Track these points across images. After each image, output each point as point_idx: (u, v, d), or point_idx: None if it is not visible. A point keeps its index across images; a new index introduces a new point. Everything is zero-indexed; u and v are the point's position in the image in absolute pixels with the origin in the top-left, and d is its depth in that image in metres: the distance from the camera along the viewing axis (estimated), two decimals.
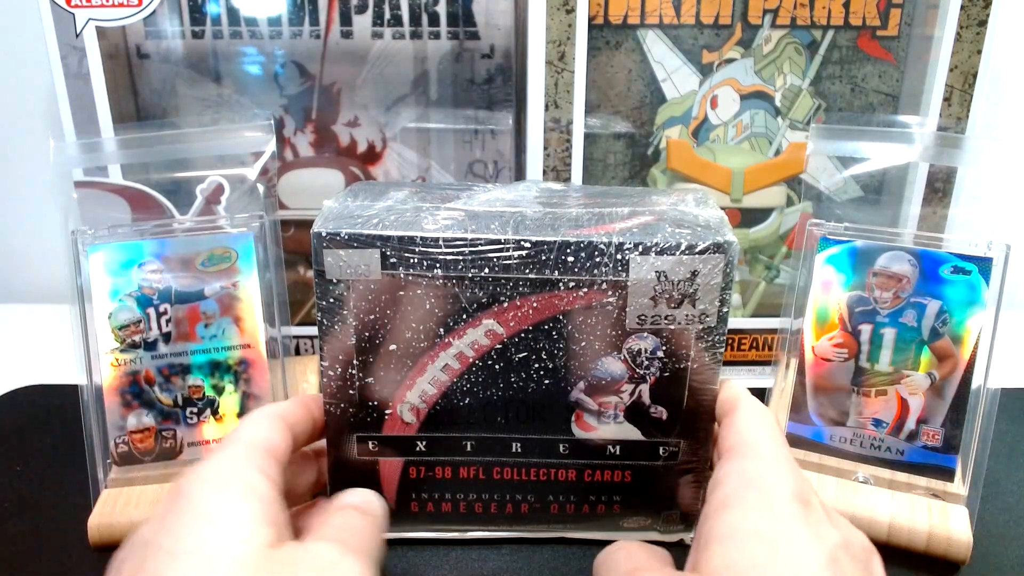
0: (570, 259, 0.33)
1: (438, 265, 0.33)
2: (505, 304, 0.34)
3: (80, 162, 0.47)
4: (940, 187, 0.50)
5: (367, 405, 0.35)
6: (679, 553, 0.32)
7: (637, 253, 0.32)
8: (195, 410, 0.43)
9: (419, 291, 0.34)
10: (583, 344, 0.34)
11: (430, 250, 0.33)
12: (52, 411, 0.52)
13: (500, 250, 0.33)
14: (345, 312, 0.34)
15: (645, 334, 0.34)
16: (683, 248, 0.32)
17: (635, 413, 0.36)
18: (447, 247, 0.33)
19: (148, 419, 0.43)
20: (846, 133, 0.47)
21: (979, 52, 0.48)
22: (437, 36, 0.51)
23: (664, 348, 0.34)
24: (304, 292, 0.55)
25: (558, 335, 0.34)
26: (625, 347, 0.34)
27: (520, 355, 0.35)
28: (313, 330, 0.54)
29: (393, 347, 0.34)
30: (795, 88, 0.52)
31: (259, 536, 0.26)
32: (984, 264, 0.40)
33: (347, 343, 0.34)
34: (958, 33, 0.48)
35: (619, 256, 0.33)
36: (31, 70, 0.63)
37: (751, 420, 0.32)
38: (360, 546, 0.29)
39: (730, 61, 0.51)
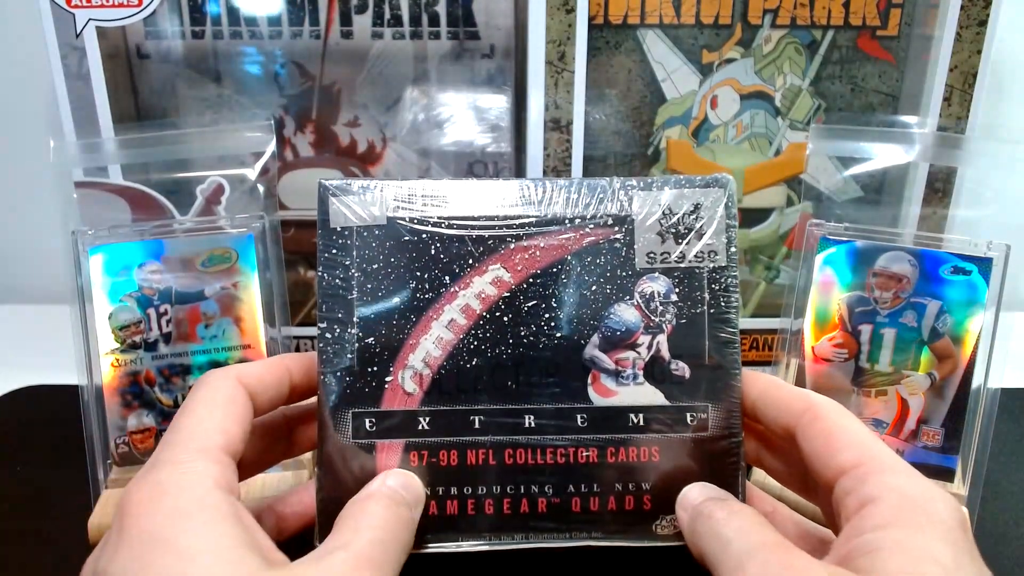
0: (574, 196, 0.34)
1: (443, 207, 0.34)
2: (512, 246, 0.34)
3: (80, 162, 0.47)
4: (940, 187, 0.50)
5: (366, 372, 0.33)
6: None
7: (639, 189, 0.34)
8: None
9: (424, 235, 0.34)
10: (594, 288, 0.34)
11: (435, 193, 0.34)
12: (52, 411, 0.52)
13: (505, 190, 0.34)
14: (348, 263, 0.33)
15: (656, 275, 0.34)
16: (683, 182, 0.34)
17: (655, 371, 0.34)
18: (452, 190, 0.34)
19: (148, 420, 0.43)
20: (846, 133, 0.47)
21: (979, 52, 0.48)
22: (437, 36, 0.51)
23: (677, 291, 0.34)
24: (304, 292, 0.55)
25: (567, 279, 0.34)
26: (637, 290, 0.34)
27: (529, 304, 0.34)
28: (314, 330, 0.54)
29: (396, 300, 0.33)
30: (795, 88, 0.52)
31: (247, 567, 0.24)
32: (984, 264, 0.40)
33: (348, 297, 0.33)
34: (958, 33, 0.48)
35: (623, 193, 0.34)
36: (31, 70, 0.63)
37: (852, 426, 0.30)
38: (382, 555, 0.27)
39: (730, 61, 0.51)
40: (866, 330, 0.42)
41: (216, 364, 0.43)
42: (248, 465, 0.33)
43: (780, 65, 0.51)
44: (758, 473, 0.41)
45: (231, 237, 0.43)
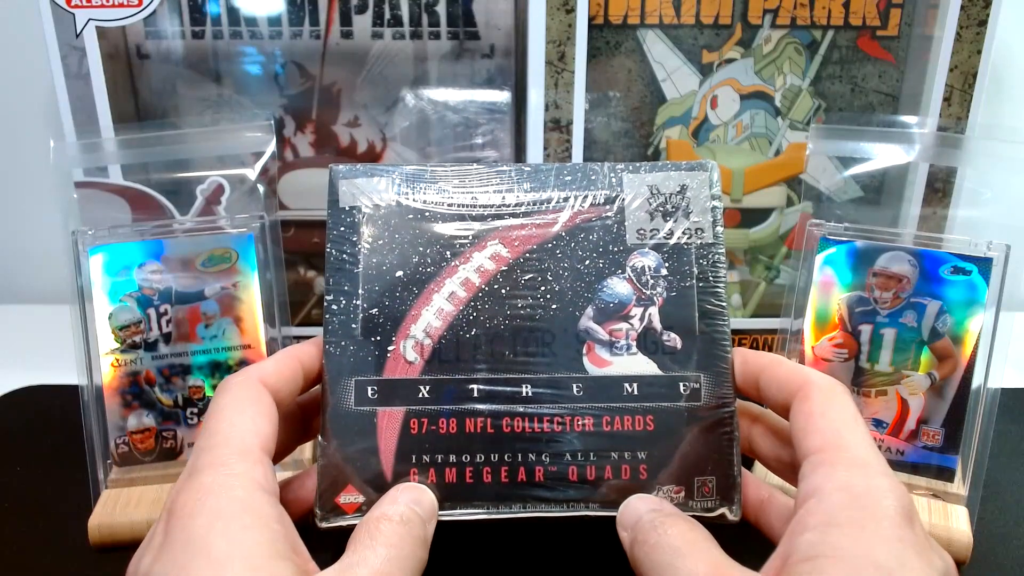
0: (568, 178, 0.36)
1: (446, 188, 0.36)
2: (510, 224, 0.36)
3: (80, 162, 0.47)
4: (940, 187, 0.50)
5: (369, 341, 0.34)
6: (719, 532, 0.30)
7: (629, 172, 0.37)
8: (195, 411, 0.43)
9: (427, 214, 0.36)
10: (587, 263, 0.35)
11: (438, 176, 0.36)
12: (52, 411, 0.52)
13: (504, 173, 0.36)
14: (355, 239, 0.35)
15: (647, 250, 0.35)
16: (670, 167, 0.37)
17: (648, 341, 0.35)
18: (455, 173, 0.36)
19: (148, 419, 0.43)
20: (846, 133, 0.47)
21: (979, 52, 0.48)
22: (437, 36, 0.51)
23: (667, 265, 0.35)
24: (304, 292, 0.55)
25: (562, 254, 0.35)
26: (629, 265, 0.35)
27: (526, 277, 0.35)
28: (313, 330, 0.54)
29: (400, 273, 0.35)
30: (795, 88, 0.52)
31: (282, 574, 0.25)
32: (984, 264, 0.40)
33: (354, 271, 0.35)
34: (958, 33, 0.48)
35: (612, 175, 0.36)
36: (31, 70, 0.63)
37: (834, 409, 0.29)
38: (399, 571, 0.27)
39: (730, 61, 0.51)
40: (866, 330, 0.42)
41: (216, 364, 0.43)
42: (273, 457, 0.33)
43: (780, 65, 0.51)
44: (760, 468, 0.41)
45: (231, 237, 0.43)
